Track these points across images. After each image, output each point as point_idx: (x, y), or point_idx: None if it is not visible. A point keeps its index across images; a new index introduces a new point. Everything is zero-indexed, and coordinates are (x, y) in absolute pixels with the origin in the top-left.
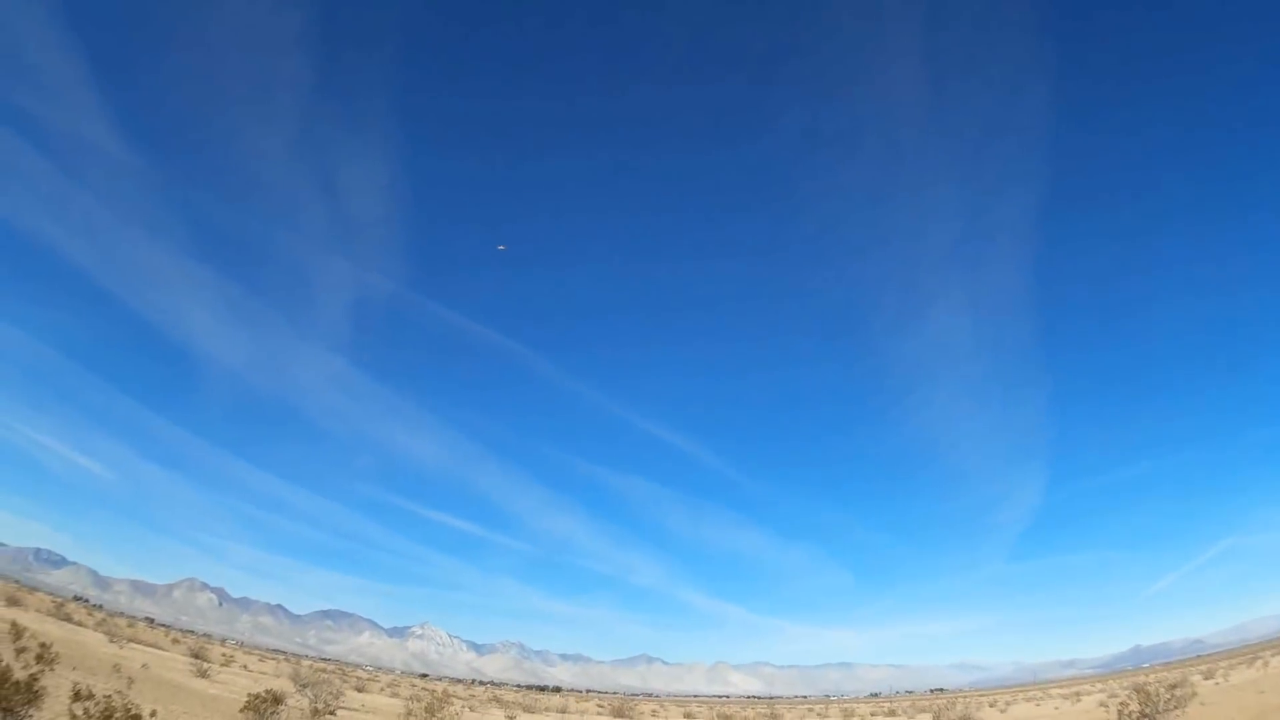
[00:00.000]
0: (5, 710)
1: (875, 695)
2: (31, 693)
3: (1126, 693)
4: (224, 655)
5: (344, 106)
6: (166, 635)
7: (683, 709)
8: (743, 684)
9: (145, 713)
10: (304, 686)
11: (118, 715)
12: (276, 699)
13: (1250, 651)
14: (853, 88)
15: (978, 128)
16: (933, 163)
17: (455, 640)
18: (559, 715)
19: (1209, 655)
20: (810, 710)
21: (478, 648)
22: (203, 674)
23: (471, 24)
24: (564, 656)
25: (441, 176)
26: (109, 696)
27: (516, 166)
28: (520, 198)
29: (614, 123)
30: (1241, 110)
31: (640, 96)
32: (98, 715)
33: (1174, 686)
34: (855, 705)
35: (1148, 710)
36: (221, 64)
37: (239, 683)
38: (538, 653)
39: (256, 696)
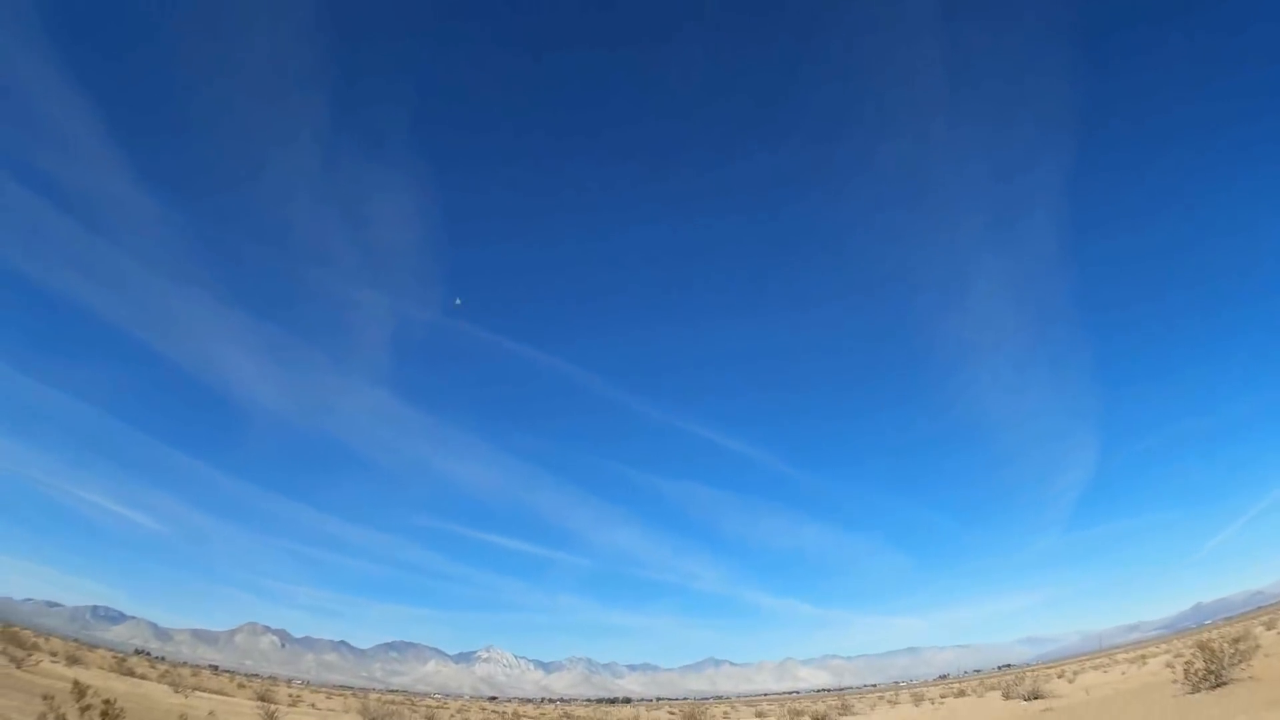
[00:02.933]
0: None
1: (944, 677)
2: None
3: (1191, 651)
4: (291, 695)
5: (366, 137)
6: (232, 680)
7: (753, 708)
8: (811, 678)
9: None
10: (373, 719)
11: None
12: None
13: None
14: (877, 64)
15: (1004, 94)
16: (962, 137)
17: (521, 661)
18: None
19: (1270, 606)
20: (880, 698)
21: (545, 666)
22: (270, 716)
23: (489, 44)
24: (631, 667)
25: (469, 199)
26: None
27: (543, 179)
28: (551, 210)
29: (643, 122)
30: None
31: (665, 100)
32: None
33: (1237, 640)
34: (925, 689)
35: (1213, 666)
36: (239, 105)
37: None
38: (605, 665)
39: None
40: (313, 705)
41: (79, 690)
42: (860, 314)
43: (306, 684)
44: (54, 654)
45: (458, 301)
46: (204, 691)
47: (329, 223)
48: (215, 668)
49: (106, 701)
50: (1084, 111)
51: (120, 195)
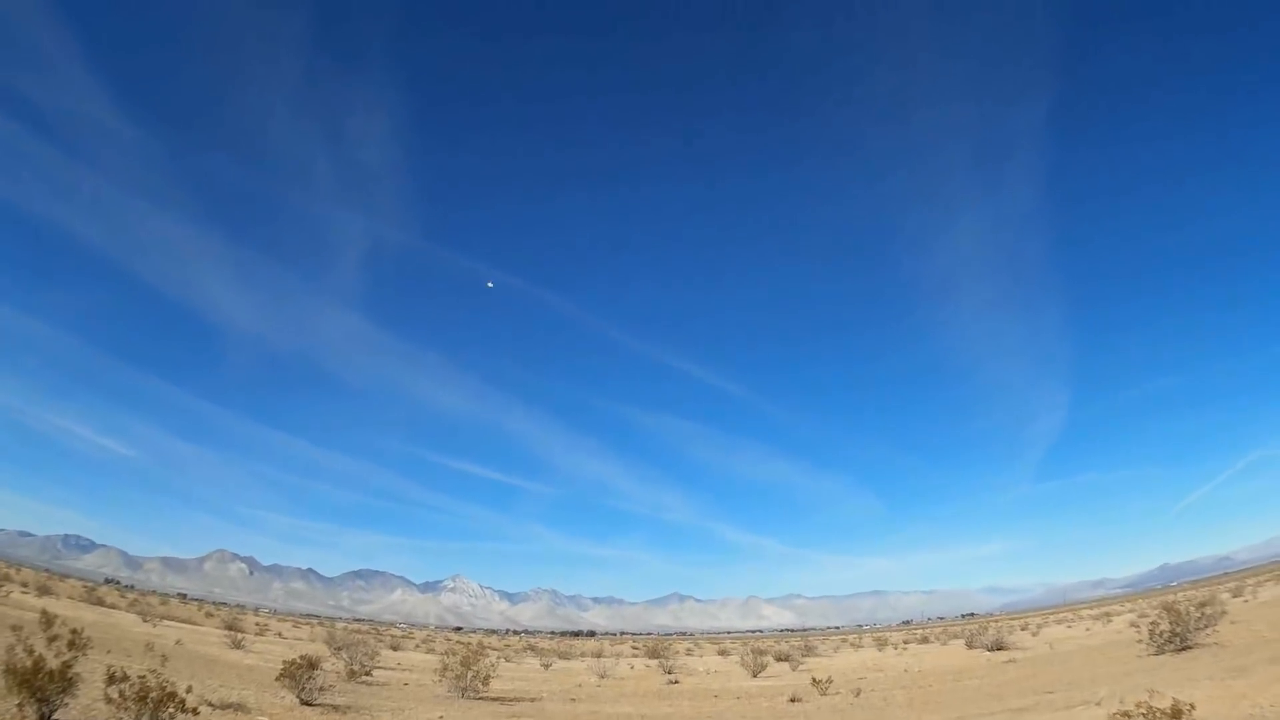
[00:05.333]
0: (41, 700)
1: (907, 623)
2: (65, 680)
3: (1156, 612)
4: (258, 625)
5: (345, 57)
6: (200, 609)
7: (716, 646)
8: (776, 617)
9: (181, 689)
10: (339, 649)
11: (153, 693)
12: (312, 664)
13: (1279, 567)
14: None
15: (988, 41)
16: (946, 78)
17: (487, 591)
18: (594, 660)
19: (1237, 572)
20: (844, 641)
21: (510, 597)
22: (238, 645)
23: None
24: (596, 600)
25: (448, 121)
26: (143, 676)
27: (523, 103)
28: (529, 135)
29: (622, 57)
30: (1256, 12)
31: (659, 33)
32: (133, 696)
33: (1203, 605)
34: (888, 634)
35: (1178, 629)
36: (217, 25)
37: (274, 651)
38: (570, 598)
39: (292, 663)
40: (279, 634)
41: (47, 620)
42: (839, 249)
43: (274, 612)
44: (25, 585)
45: (490, 284)
46: (172, 620)
47: (307, 140)
48: (184, 596)
49: (74, 631)
50: (1067, 62)
51: (97, 118)
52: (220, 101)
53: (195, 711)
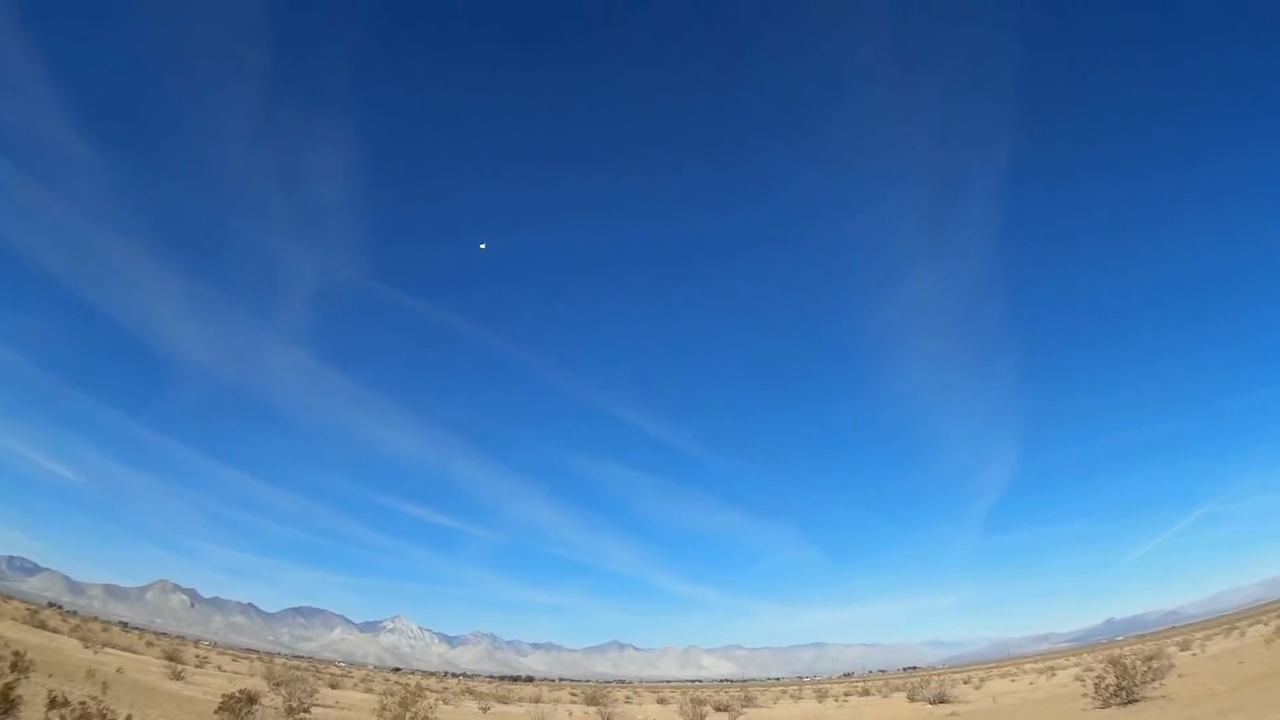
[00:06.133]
0: None
1: (849, 675)
2: (8, 701)
3: (1102, 665)
4: (198, 656)
5: (305, 94)
6: (141, 638)
7: (656, 694)
8: (715, 667)
9: (121, 716)
10: (278, 685)
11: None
12: (251, 698)
13: (1227, 622)
14: (823, 51)
15: (946, 92)
16: (903, 128)
17: (426, 633)
18: (532, 705)
19: (1184, 626)
20: (784, 692)
21: (449, 640)
22: (177, 676)
23: (431, 6)
24: (536, 645)
25: (403, 162)
26: (84, 702)
27: (477, 147)
28: (483, 180)
29: (576, 97)
30: (1208, 73)
31: (606, 72)
32: None
33: (1150, 658)
34: (829, 685)
35: (1124, 682)
36: (180, 55)
37: (214, 683)
38: (510, 643)
39: (231, 697)
40: (219, 667)
41: None
42: (788, 300)
43: (214, 645)
44: None
45: (483, 246)
46: (114, 648)
47: (263, 175)
48: (125, 624)
49: (16, 654)
50: (1025, 113)
51: (56, 138)
52: (179, 130)
53: None
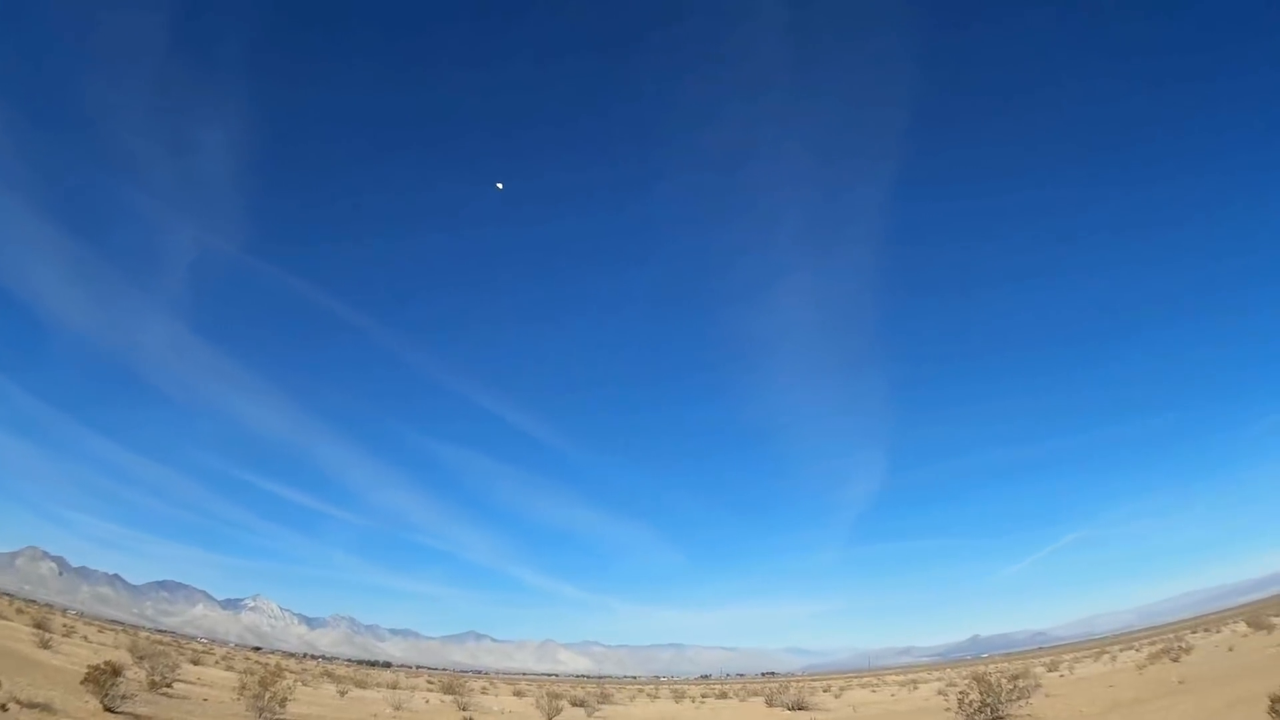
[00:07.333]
0: None
1: (706, 677)
2: None
3: (966, 681)
4: (65, 626)
5: (199, 65)
6: (10, 605)
7: (512, 686)
8: (572, 662)
9: None
10: (142, 658)
11: None
12: (116, 671)
13: (1097, 646)
14: (715, 57)
15: (841, 99)
16: (792, 132)
17: (286, 613)
18: (390, 691)
19: (1053, 648)
20: (641, 690)
21: (309, 621)
22: (46, 645)
23: None
24: (394, 631)
25: (293, 143)
26: None
27: (365, 136)
28: (363, 165)
29: (461, 94)
30: (1084, 108)
31: (487, 69)
32: None
33: (1016, 677)
34: (686, 686)
35: (989, 700)
36: (75, 18)
37: (80, 654)
38: (368, 627)
39: (96, 668)
40: (85, 638)
41: None
42: (660, 298)
43: (80, 615)
44: None
45: (499, 185)
46: None
47: (152, 141)
48: None
49: None
50: (916, 131)
51: None
52: (70, 90)
53: (4, 708)
